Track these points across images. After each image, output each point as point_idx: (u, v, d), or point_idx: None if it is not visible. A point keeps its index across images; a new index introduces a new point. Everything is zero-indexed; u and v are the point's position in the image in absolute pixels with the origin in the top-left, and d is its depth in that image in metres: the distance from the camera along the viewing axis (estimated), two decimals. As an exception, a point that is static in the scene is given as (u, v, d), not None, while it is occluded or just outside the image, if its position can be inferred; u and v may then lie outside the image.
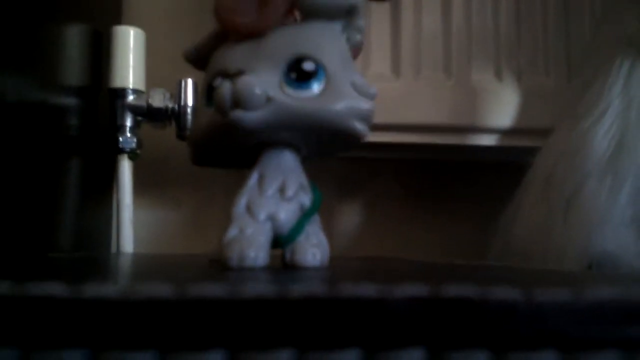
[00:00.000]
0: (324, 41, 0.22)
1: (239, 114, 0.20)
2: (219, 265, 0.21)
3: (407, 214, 0.62)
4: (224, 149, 0.24)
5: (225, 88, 0.21)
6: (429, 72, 0.54)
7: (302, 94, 0.21)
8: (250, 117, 0.21)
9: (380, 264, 0.29)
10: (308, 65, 0.21)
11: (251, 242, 0.21)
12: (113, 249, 0.53)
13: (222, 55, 0.23)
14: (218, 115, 0.21)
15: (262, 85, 0.21)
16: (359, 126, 0.22)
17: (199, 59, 0.25)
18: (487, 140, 0.53)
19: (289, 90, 0.21)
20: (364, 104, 0.22)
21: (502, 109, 0.53)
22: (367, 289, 0.14)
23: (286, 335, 0.13)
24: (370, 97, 0.23)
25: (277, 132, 0.22)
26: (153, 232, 0.59)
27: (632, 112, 0.42)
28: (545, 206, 0.43)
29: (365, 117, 0.22)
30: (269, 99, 0.21)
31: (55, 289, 0.13)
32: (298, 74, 0.21)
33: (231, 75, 0.22)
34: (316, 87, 0.22)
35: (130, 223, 0.51)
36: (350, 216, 0.61)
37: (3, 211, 0.34)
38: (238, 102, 0.20)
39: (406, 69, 0.54)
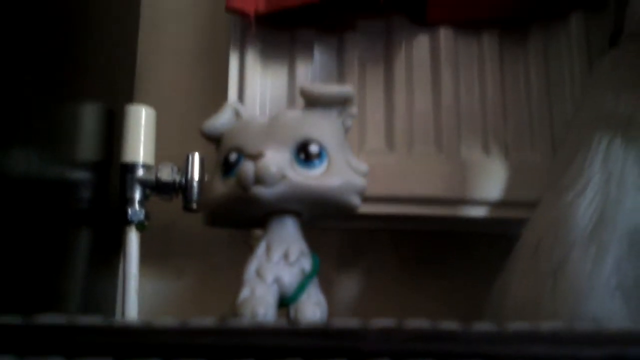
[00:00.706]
0: (325, 126, 0.26)
1: (259, 190, 0.24)
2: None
3: (403, 283, 0.63)
4: (238, 214, 0.27)
5: (248, 167, 0.25)
6: (421, 147, 0.57)
7: (309, 172, 0.25)
8: (269, 192, 0.24)
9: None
10: (314, 148, 0.25)
11: (261, 302, 0.24)
12: (117, 317, 0.55)
13: (237, 134, 0.27)
14: (239, 189, 0.25)
15: (279, 165, 0.24)
16: (354, 199, 0.26)
17: (214, 136, 0.28)
18: (478, 211, 0.55)
19: (298, 169, 0.25)
20: (358, 181, 0.26)
21: (490, 182, 0.55)
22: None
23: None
24: (363, 174, 0.27)
25: (288, 204, 0.25)
26: (157, 301, 0.60)
27: (611, 185, 0.44)
28: (533, 275, 0.44)
29: (360, 192, 0.26)
30: (283, 177, 0.24)
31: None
32: (305, 154, 0.25)
33: (252, 156, 0.25)
34: (320, 166, 0.26)
35: (136, 292, 0.53)
36: (348, 286, 0.62)
37: (14, 277, 0.36)
38: (259, 179, 0.24)
39: (399, 144, 0.56)
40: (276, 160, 0.25)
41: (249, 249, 0.30)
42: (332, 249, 0.63)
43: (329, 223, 0.43)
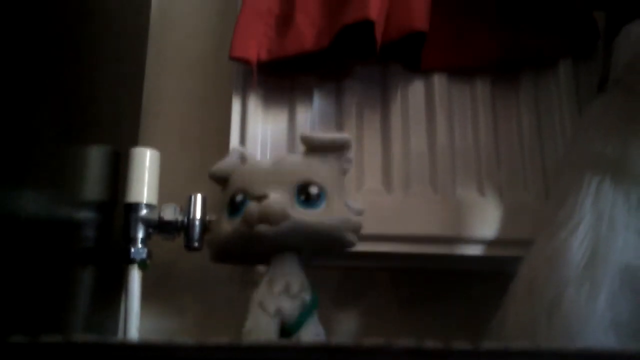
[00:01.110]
0: (324, 170, 0.29)
1: (263, 228, 0.27)
2: None
3: (401, 322, 0.63)
4: (243, 251, 0.29)
5: (252, 207, 0.27)
6: (417, 187, 0.58)
7: (309, 211, 0.28)
8: (272, 230, 0.27)
9: None
10: (313, 189, 0.28)
11: (263, 333, 0.25)
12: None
13: (242, 177, 0.29)
14: (245, 227, 0.27)
15: (281, 205, 0.27)
16: (351, 236, 0.29)
17: (221, 178, 0.30)
18: (474, 250, 0.56)
19: (299, 209, 0.27)
20: (355, 219, 0.29)
21: (485, 221, 0.56)
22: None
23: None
24: (359, 213, 0.29)
25: (290, 240, 0.27)
26: (158, 338, 0.60)
27: (602, 224, 0.45)
28: (529, 312, 0.45)
29: (356, 229, 0.29)
30: (286, 216, 0.27)
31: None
32: (306, 195, 0.27)
33: (257, 197, 0.28)
34: (319, 206, 0.28)
35: (137, 329, 0.53)
36: (347, 324, 0.63)
37: (17, 314, 0.37)
38: (264, 218, 0.26)
39: (397, 185, 0.58)
40: (279, 200, 0.27)
41: (253, 285, 0.32)
42: (331, 288, 0.63)
43: (327, 260, 0.43)
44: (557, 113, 0.61)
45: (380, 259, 0.58)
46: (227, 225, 0.29)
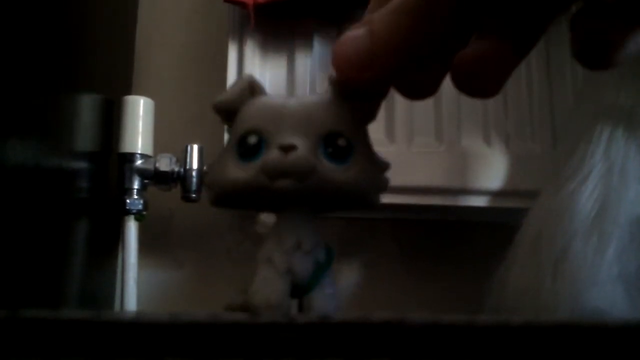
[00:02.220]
0: (353, 119, 0.25)
1: (286, 183, 0.23)
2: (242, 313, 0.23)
3: (403, 272, 0.63)
4: (252, 200, 0.26)
5: (276, 159, 0.23)
6: (421, 138, 0.57)
7: (336, 167, 0.24)
8: (297, 186, 0.23)
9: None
10: (342, 142, 0.24)
11: (274, 291, 0.23)
12: (116, 307, 0.54)
13: (256, 114, 0.25)
14: (264, 179, 0.24)
15: (311, 160, 0.23)
16: (376, 198, 0.25)
17: (229, 112, 0.26)
18: (478, 201, 0.55)
19: (326, 163, 0.24)
20: (382, 178, 0.25)
21: (491, 172, 0.55)
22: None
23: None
24: (385, 169, 0.26)
25: (311, 198, 0.24)
26: (156, 291, 0.60)
27: (613, 176, 0.44)
28: (534, 265, 0.44)
29: (383, 189, 0.25)
30: (314, 172, 0.23)
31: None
32: (334, 149, 0.24)
33: (282, 147, 0.24)
34: (347, 161, 0.25)
35: (135, 282, 0.53)
36: (348, 275, 0.62)
37: (12, 267, 0.36)
38: (291, 173, 0.23)
39: (400, 136, 0.56)
40: (306, 153, 0.24)
41: (255, 237, 0.29)
42: (332, 238, 0.62)
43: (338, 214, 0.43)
44: (568, 59, 0.59)
45: (383, 210, 0.57)
46: (238, 171, 0.25)
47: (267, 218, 0.30)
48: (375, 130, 0.60)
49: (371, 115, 0.26)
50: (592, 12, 0.21)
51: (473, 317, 0.16)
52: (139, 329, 0.15)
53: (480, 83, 0.22)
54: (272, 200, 0.24)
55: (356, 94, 0.24)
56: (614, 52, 0.21)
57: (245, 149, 0.25)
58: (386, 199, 0.57)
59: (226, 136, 0.57)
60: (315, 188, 0.24)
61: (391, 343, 0.16)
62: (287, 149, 0.23)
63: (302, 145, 0.24)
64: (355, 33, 0.21)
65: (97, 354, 0.15)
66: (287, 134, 0.24)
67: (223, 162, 0.25)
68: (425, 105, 0.58)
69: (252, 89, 0.26)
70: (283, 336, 0.16)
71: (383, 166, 0.26)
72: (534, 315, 0.42)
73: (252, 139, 0.24)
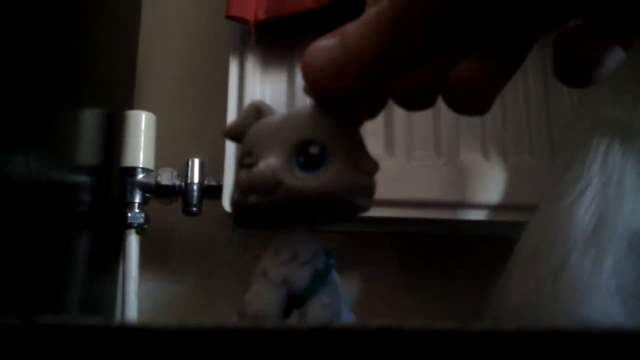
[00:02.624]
0: (331, 124, 0.25)
1: (255, 198, 0.23)
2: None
3: (403, 287, 0.63)
4: (251, 218, 0.26)
5: (242, 175, 0.24)
6: (420, 152, 0.57)
7: (308, 175, 0.24)
8: (266, 200, 0.23)
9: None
10: (314, 149, 0.24)
11: (265, 302, 0.23)
12: (117, 319, 0.54)
13: (252, 135, 0.26)
14: (239, 196, 0.24)
15: (274, 172, 0.23)
16: (360, 200, 0.24)
17: (238, 137, 0.27)
18: (477, 215, 0.55)
19: (298, 173, 0.24)
20: (363, 180, 0.25)
21: (490, 186, 0.55)
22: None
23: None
24: (371, 172, 0.25)
25: (289, 210, 0.24)
26: (156, 303, 0.60)
27: (610, 189, 0.45)
28: (533, 278, 0.44)
29: (365, 191, 0.25)
30: (278, 184, 0.23)
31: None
32: (305, 157, 0.24)
33: (245, 164, 0.24)
34: (321, 168, 0.24)
35: (135, 295, 0.53)
36: (349, 288, 0.62)
37: (14, 280, 0.36)
38: (254, 189, 0.23)
39: (399, 149, 0.57)
40: (271, 166, 0.24)
41: (256, 255, 0.29)
42: (332, 251, 0.62)
43: (337, 226, 0.43)
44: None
45: (382, 223, 0.57)
46: (233, 191, 0.26)
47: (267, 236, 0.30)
48: (375, 145, 0.61)
49: (355, 121, 0.26)
50: (572, 32, 0.21)
51: (465, 324, 0.16)
52: (146, 336, 0.16)
53: (470, 101, 0.22)
54: (256, 216, 0.25)
55: (330, 103, 0.24)
56: (592, 69, 0.21)
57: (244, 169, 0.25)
58: (386, 212, 0.57)
59: (227, 151, 0.57)
60: (282, 200, 0.24)
61: (389, 351, 0.17)
62: (249, 165, 0.24)
63: (270, 159, 0.24)
64: (327, 43, 0.21)
65: None
66: (264, 150, 0.24)
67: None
68: (424, 120, 0.58)
69: (258, 112, 0.26)
70: (279, 343, 0.16)
71: (368, 169, 0.25)
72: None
73: (247, 160, 0.25)
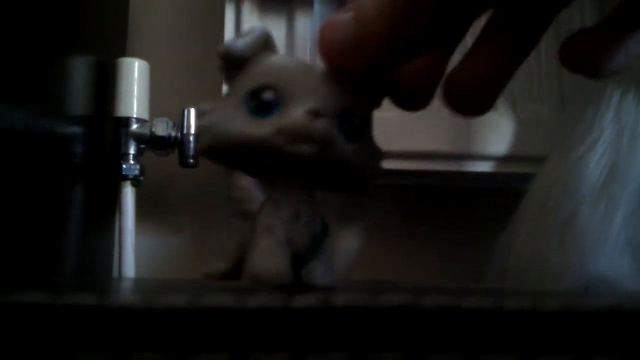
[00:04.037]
0: (366, 101, 0.24)
1: (307, 149, 0.21)
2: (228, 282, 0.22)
3: (406, 238, 0.62)
4: (252, 159, 0.24)
5: (304, 121, 0.21)
6: (425, 101, 0.55)
7: (348, 145, 0.23)
8: (314, 155, 0.21)
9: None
10: (357, 122, 0.23)
11: (277, 261, 0.22)
12: (115, 274, 0.54)
13: (275, 71, 0.23)
14: (281, 139, 0.22)
15: (334, 132, 0.22)
16: (372, 184, 0.24)
17: (237, 62, 0.24)
18: (483, 167, 0.54)
19: (341, 140, 0.22)
20: (381, 165, 0.24)
21: (497, 136, 0.54)
22: (358, 299, 0.15)
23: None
24: (382, 157, 0.25)
25: (319, 170, 0.23)
26: (154, 257, 0.59)
27: (623, 139, 0.43)
28: (540, 231, 0.43)
29: (379, 177, 0.24)
30: (334, 146, 0.22)
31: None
32: (348, 127, 0.22)
33: (312, 111, 0.22)
34: (357, 142, 0.23)
35: (132, 248, 0.52)
36: (349, 241, 0.62)
37: (7, 236, 0.35)
38: (314, 140, 0.21)
39: (403, 99, 0.55)
40: (331, 125, 0.23)
41: (230, 201, 0.28)
42: (332, 205, 0.61)
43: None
44: (578, 20, 0.57)
45: (387, 175, 0.56)
46: (249, 126, 0.23)
47: (243, 181, 0.28)
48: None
49: (376, 102, 0.25)
50: (579, 36, 0.21)
51: (502, 301, 0.15)
52: (105, 315, 0.14)
53: (473, 102, 0.22)
54: (279, 163, 0.23)
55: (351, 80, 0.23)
56: (606, 69, 0.21)
57: (259, 104, 0.22)
58: (388, 164, 0.56)
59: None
60: (330, 161, 0.22)
61: (404, 332, 0.15)
62: (317, 114, 0.22)
63: (327, 119, 0.22)
64: (341, 18, 0.20)
65: (53, 343, 0.14)
66: (310, 99, 0.22)
67: (229, 113, 0.23)
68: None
69: (266, 42, 0.24)
70: (276, 324, 0.14)
71: (381, 154, 0.25)
72: (539, 283, 0.41)
73: (268, 95, 0.22)
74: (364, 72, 0.21)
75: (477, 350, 0.14)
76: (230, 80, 0.24)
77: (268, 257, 0.22)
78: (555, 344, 0.14)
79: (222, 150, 0.23)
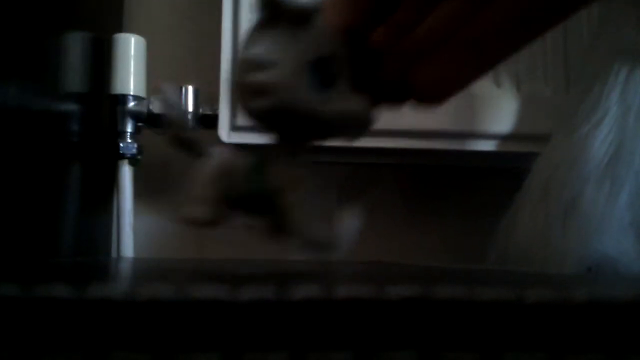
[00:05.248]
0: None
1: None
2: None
3: (406, 219, 0.62)
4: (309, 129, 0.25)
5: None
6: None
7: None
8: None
9: (377, 268, 0.29)
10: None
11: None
12: (113, 254, 0.53)
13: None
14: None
15: None
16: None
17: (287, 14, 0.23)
18: (486, 145, 0.53)
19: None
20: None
21: (500, 115, 0.53)
22: (362, 290, 0.14)
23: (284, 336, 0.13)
24: None
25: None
26: (153, 237, 0.59)
27: (629, 118, 0.42)
28: (544, 211, 0.43)
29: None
30: None
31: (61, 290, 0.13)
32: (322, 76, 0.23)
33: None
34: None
35: (131, 228, 0.52)
36: (349, 221, 0.61)
37: (5, 215, 0.35)
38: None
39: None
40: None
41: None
42: (332, 184, 0.61)
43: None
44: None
45: (385, 155, 0.55)
46: (314, 101, 0.23)
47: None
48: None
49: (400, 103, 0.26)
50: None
51: (522, 292, 0.14)
52: (84, 309, 0.13)
53: (444, 97, 0.23)
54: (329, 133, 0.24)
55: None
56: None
57: (327, 76, 0.23)
58: (389, 142, 0.55)
59: (223, 77, 0.54)
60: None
61: (416, 327, 0.14)
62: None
63: None
64: None
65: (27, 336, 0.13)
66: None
67: (286, 74, 0.22)
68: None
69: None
70: (272, 319, 0.13)
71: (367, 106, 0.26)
72: (542, 263, 0.41)
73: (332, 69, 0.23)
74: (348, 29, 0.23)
75: (498, 348, 0.13)
76: (265, 23, 0.23)
77: None
78: (584, 340, 0.14)
79: (283, 121, 0.23)
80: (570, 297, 0.14)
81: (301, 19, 0.22)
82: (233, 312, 0.13)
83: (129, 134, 0.52)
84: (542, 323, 0.14)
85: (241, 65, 0.22)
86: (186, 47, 0.62)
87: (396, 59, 0.23)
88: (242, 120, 0.51)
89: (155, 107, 0.52)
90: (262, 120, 0.23)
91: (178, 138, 0.26)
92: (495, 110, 0.53)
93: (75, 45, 0.48)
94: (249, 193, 0.24)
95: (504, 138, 0.53)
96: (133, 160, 0.52)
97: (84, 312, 0.13)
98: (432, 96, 0.23)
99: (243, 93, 0.22)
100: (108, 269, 0.30)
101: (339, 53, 0.23)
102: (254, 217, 0.25)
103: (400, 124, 0.51)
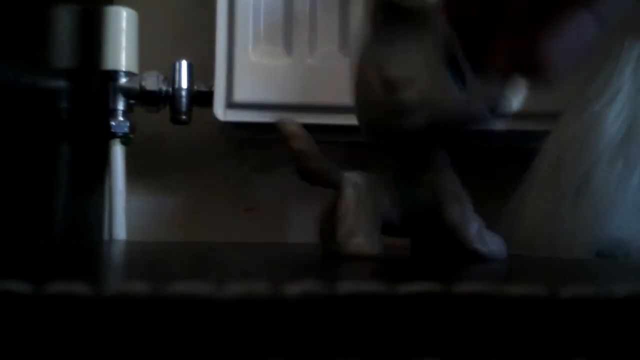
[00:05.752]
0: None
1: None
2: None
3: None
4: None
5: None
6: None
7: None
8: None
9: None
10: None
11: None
12: (105, 236, 0.52)
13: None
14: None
15: None
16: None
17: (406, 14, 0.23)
18: (495, 124, 0.51)
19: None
20: None
21: (510, 92, 0.51)
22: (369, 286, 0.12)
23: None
24: None
25: None
26: (146, 219, 0.57)
27: (642, 95, 0.41)
28: (554, 192, 0.42)
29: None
30: None
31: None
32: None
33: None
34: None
35: (123, 210, 0.50)
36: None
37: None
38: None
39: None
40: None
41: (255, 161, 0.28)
42: (337, 162, 0.59)
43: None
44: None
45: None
46: (453, 99, 0.24)
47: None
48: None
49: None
50: None
51: (557, 289, 0.12)
52: (49, 306, 0.11)
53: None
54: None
55: None
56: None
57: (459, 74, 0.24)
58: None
59: (218, 53, 0.52)
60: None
61: (433, 329, 0.12)
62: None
63: None
64: None
65: None
66: None
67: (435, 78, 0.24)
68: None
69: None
70: (264, 319, 0.11)
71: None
72: (551, 245, 0.40)
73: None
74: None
75: (534, 354, 0.11)
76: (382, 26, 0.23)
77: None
78: (626, 340, 0.12)
79: (439, 131, 0.25)
80: (610, 293, 0.12)
81: (421, 18, 0.22)
82: (217, 312, 0.11)
83: (120, 111, 0.50)
84: (580, 323, 0.12)
85: (381, 86, 0.22)
86: (180, 21, 0.59)
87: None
88: (238, 96, 0.49)
89: (148, 83, 0.50)
90: (415, 136, 0.24)
91: (310, 170, 0.25)
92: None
93: (63, 19, 0.46)
94: (413, 211, 0.24)
95: (514, 116, 0.51)
96: (125, 139, 0.50)
97: (40, 309, 0.11)
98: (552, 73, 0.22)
99: (388, 115, 0.22)
100: (87, 256, 0.28)
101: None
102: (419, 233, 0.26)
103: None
